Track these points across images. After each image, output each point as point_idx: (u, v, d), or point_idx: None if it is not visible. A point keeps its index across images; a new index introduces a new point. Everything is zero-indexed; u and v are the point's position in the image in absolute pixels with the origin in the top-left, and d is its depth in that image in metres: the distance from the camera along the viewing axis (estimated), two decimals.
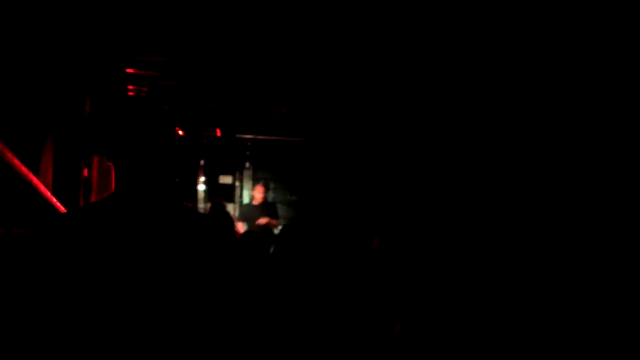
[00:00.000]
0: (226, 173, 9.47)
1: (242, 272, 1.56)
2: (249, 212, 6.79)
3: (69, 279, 1.31)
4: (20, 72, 3.28)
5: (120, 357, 1.28)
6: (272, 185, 9.42)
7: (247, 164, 9.52)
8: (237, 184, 9.62)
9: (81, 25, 3.79)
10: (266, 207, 6.80)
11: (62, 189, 3.77)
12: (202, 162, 9.02)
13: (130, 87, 5.02)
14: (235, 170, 9.57)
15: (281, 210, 7.88)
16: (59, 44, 3.83)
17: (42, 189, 2.91)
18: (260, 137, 8.64)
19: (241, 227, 6.39)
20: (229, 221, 4.02)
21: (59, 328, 1.29)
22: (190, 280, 1.36)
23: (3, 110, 2.99)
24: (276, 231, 5.87)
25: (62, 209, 3.07)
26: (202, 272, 1.38)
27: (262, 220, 6.49)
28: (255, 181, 9.68)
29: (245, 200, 9.65)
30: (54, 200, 3.03)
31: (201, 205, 8.92)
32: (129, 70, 4.72)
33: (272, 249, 4.08)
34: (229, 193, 9.46)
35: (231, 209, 9.31)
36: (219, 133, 6.78)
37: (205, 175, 9.17)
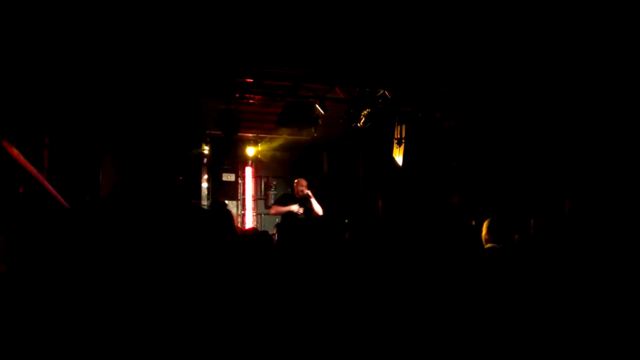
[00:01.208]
0: (229, 171, 9.52)
1: (242, 267, 1.56)
2: (291, 202, 6.65)
3: (73, 273, 1.32)
4: (29, 73, 3.31)
5: (124, 350, 1.29)
6: (274, 182, 9.48)
7: (250, 162, 9.56)
8: (240, 181, 9.67)
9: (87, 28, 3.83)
10: (306, 199, 6.67)
11: (70, 186, 3.81)
12: (205, 160, 9.05)
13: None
14: (239, 168, 9.62)
15: None
16: (64, 48, 3.86)
17: (48, 185, 2.94)
18: (262, 135, 8.68)
19: (298, 208, 6.45)
20: (229, 217, 4.06)
21: (62, 325, 1.29)
22: (191, 274, 1.37)
23: (11, 109, 3.02)
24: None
25: (67, 205, 3.10)
26: (202, 267, 1.39)
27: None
28: (257, 178, 9.73)
29: (248, 198, 9.68)
30: (59, 197, 3.06)
31: (205, 203, 8.96)
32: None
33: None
34: (231, 190, 9.51)
35: (234, 206, 9.37)
36: None
37: (208, 172, 9.21)
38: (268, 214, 9.33)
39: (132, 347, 1.29)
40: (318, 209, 6.48)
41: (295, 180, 6.75)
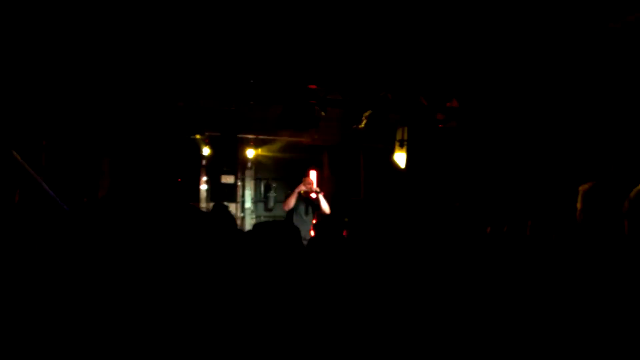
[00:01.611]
0: (228, 173, 9.47)
1: (243, 269, 1.54)
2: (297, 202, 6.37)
3: (72, 274, 1.32)
4: (27, 76, 3.29)
5: (121, 354, 1.27)
6: (274, 184, 9.44)
7: (249, 164, 9.52)
8: (239, 183, 9.62)
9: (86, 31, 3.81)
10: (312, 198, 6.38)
11: (68, 187, 3.77)
12: (204, 162, 9.01)
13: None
14: (238, 170, 9.57)
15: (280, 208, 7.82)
16: (65, 52, 3.83)
17: (46, 187, 2.92)
18: (262, 136, 8.65)
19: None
20: (231, 220, 4.01)
21: (59, 326, 1.28)
22: (190, 276, 1.37)
23: (9, 113, 3.00)
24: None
25: (65, 206, 3.08)
26: (202, 268, 1.39)
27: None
28: (256, 181, 9.69)
29: (248, 200, 9.64)
30: (57, 198, 3.04)
31: (203, 205, 8.92)
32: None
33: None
34: (231, 193, 9.46)
35: (233, 208, 9.33)
36: None
37: (207, 174, 9.17)
38: (268, 217, 9.29)
39: (129, 347, 1.27)
40: (325, 207, 6.35)
41: (304, 179, 6.63)
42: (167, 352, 1.31)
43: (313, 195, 6.27)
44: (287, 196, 6.50)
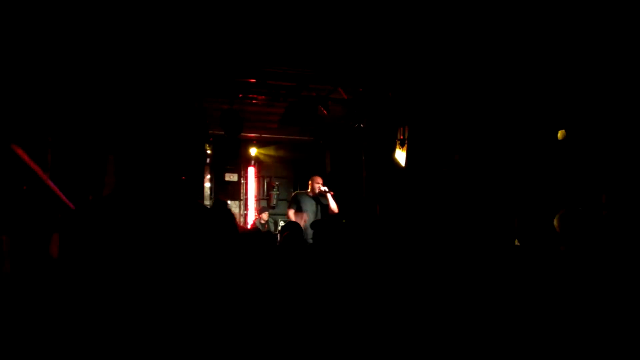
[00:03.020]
0: (232, 171, 9.51)
1: (242, 266, 1.55)
2: (306, 202, 6.22)
3: (76, 271, 1.33)
4: (32, 72, 3.32)
5: (123, 347, 1.29)
6: (276, 182, 9.47)
7: (253, 162, 9.55)
8: (243, 181, 9.66)
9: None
10: (322, 196, 6.20)
11: (73, 184, 3.80)
12: (208, 160, 9.04)
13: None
14: (241, 168, 9.60)
15: (284, 206, 7.85)
16: (70, 49, 3.86)
17: (52, 185, 2.95)
18: (266, 135, 8.68)
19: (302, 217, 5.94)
20: (231, 218, 4.04)
21: (62, 323, 1.30)
22: (192, 273, 1.38)
23: (15, 109, 3.03)
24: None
25: (71, 204, 3.11)
26: (203, 265, 1.40)
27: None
28: (259, 179, 9.71)
29: (251, 197, 9.67)
30: (63, 195, 3.07)
31: (207, 203, 8.96)
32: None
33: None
34: (234, 190, 9.50)
35: (236, 206, 9.37)
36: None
37: (211, 172, 9.21)
38: (270, 215, 9.32)
39: (134, 344, 1.29)
40: (334, 205, 6.28)
41: (311, 178, 6.55)
42: (172, 350, 1.32)
43: (323, 188, 6.17)
44: (292, 203, 6.33)
